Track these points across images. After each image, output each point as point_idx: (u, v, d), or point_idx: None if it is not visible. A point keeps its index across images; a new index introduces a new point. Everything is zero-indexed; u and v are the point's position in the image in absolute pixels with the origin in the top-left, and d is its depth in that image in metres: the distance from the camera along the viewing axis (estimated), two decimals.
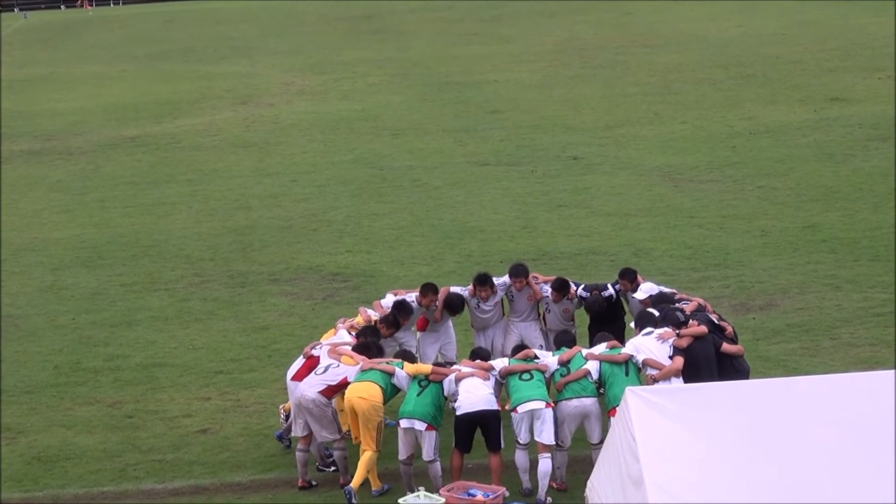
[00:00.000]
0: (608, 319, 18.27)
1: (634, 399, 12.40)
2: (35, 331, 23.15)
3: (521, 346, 17.22)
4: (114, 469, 17.35)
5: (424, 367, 16.52)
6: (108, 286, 25.58)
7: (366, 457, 15.99)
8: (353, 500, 15.73)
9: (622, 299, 18.60)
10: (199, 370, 20.71)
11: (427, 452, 15.92)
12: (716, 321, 16.92)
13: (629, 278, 18.46)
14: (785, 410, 12.31)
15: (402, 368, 16.36)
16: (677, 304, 17.28)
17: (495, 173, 33.64)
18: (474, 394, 15.90)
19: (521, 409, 15.92)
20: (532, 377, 16.10)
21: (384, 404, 16.27)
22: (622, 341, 17.14)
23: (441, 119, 41.75)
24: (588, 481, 13.95)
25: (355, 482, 15.89)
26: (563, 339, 17.13)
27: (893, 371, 12.64)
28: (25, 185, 35.14)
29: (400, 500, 15.52)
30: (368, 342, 17.01)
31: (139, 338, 22.47)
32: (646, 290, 18.00)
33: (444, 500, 15.42)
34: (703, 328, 16.40)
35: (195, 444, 17.92)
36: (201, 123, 43.04)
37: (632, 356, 16.22)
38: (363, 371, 16.33)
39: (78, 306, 24.43)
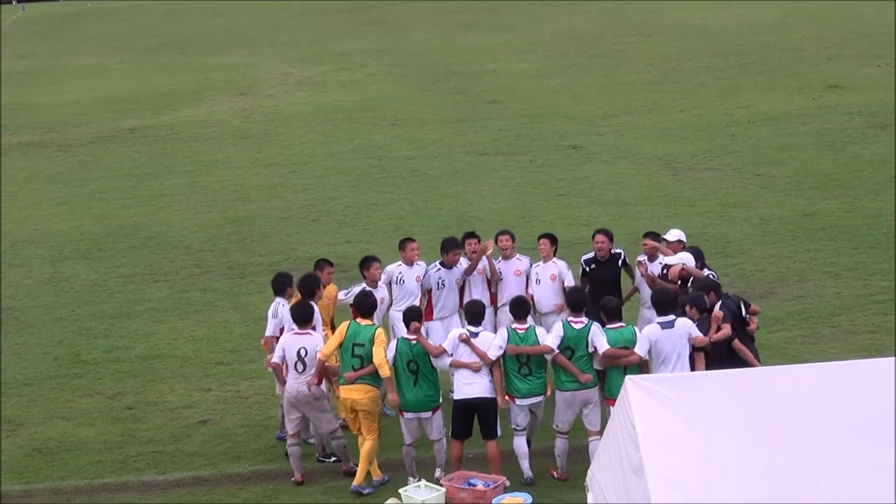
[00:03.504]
0: (608, 285, 17.83)
1: (634, 388, 12.38)
2: (35, 323, 23.15)
3: (520, 300, 16.48)
4: (114, 461, 17.35)
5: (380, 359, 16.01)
6: (107, 278, 25.58)
7: (367, 447, 15.96)
8: (365, 491, 15.80)
9: (627, 266, 18.32)
10: (198, 361, 20.71)
11: (434, 433, 15.96)
12: (745, 313, 16.45)
13: (652, 237, 18.36)
14: (784, 398, 12.30)
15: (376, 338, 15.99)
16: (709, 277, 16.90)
17: (494, 163, 33.64)
18: (474, 382, 15.81)
19: (519, 401, 15.91)
20: (531, 371, 15.88)
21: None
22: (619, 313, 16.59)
23: (440, 109, 41.75)
24: (588, 470, 13.96)
25: (359, 477, 15.90)
26: (576, 299, 16.20)
27: (893, 358, 12.62)
28: (24, 177, 35.14)
29: (401, 490, 15.52)
30: (305, 304, 16.58)
31: (139, 329, 22.48)
32: (682, 257, 17.41)
33: (444, 489, 15.42)
34: (727, 330, 16.05)
35: (195, 436, 17.92)
36: (200, 115, 43.03)
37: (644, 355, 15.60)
38: (350, 382, 16.13)
39: (77, 298, 24.44)
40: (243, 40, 62.99)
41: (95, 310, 23.68)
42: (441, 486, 15.51)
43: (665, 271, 17.56)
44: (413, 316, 16.16)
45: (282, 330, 16.75)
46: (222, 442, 17.66)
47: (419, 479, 15.71)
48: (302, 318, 16.39)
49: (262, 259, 26.02)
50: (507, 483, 15.63)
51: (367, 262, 18.02)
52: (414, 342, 15.88)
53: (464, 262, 18.42)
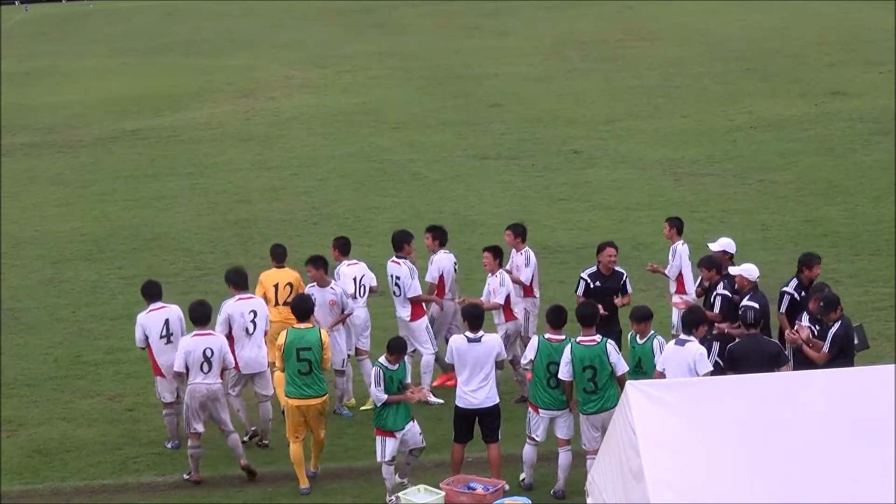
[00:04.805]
0: (610, 302, 17.74)
1: (635, 393, 12.39)
2: (35, 324, 23.16)
3: (559, 308, 16.01)
4: (114, 462, 17.38)
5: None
6: (108, 279, 25.59)
7: (321, 437, 16.52)
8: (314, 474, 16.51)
9: (625, 289, 18.26)
10: None
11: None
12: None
13: (672, 223, 18.71)
14: (784, 405, 12.31)
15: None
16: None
17: (495, 167, 33.66)
18: (477, 389, 15.72)
19: (543, 412, 15.80)
20: (558, 384, 15.63)
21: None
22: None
23: (441, 112, 41.76)
24: (588, 474, 13.98)
25: (314, 462, 16.55)
26: (587, 312, 15.70)
27: (894, 366, 12.64)
28: (26, 179, 35.13)
29: (400, 494, 15.53)
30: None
31: None
32: (723, 244, 17.73)
33: (443, 493, 15.43)
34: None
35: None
36: (202, 117, 43.02)
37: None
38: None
39: (78, 299, 24.45)
40: (245, 42, 62.97)
41: (96, 311, 23.70)
42: (441, 489, 15.52)
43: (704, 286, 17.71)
44: (398, 347, 15.96)
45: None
46: (222, 444, 17.62)
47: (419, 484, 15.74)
48: (200, 317, 16.60)
49: (262, 262, 25.85)
50: (507, 487, 15.63)
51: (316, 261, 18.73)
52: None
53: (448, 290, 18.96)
